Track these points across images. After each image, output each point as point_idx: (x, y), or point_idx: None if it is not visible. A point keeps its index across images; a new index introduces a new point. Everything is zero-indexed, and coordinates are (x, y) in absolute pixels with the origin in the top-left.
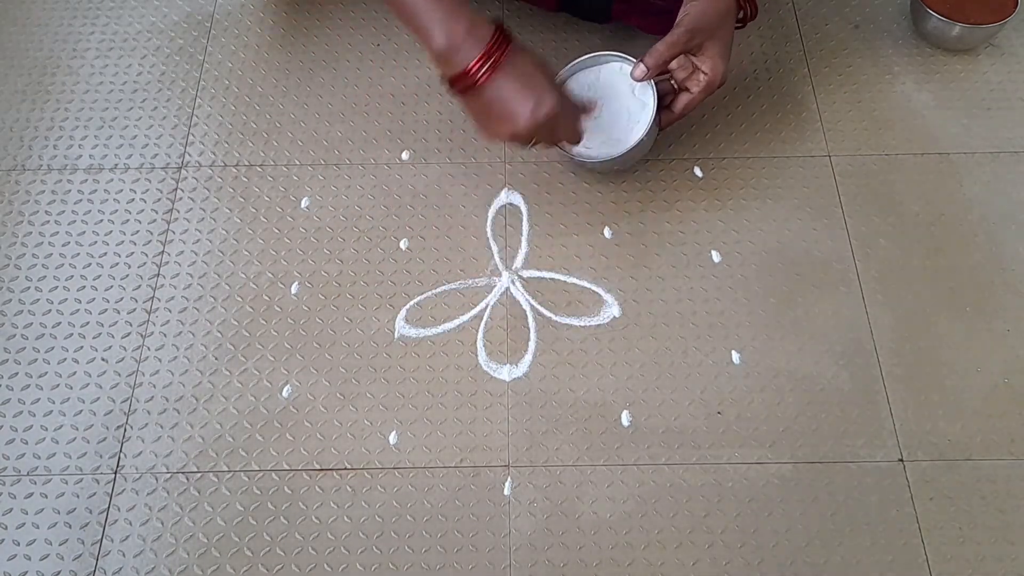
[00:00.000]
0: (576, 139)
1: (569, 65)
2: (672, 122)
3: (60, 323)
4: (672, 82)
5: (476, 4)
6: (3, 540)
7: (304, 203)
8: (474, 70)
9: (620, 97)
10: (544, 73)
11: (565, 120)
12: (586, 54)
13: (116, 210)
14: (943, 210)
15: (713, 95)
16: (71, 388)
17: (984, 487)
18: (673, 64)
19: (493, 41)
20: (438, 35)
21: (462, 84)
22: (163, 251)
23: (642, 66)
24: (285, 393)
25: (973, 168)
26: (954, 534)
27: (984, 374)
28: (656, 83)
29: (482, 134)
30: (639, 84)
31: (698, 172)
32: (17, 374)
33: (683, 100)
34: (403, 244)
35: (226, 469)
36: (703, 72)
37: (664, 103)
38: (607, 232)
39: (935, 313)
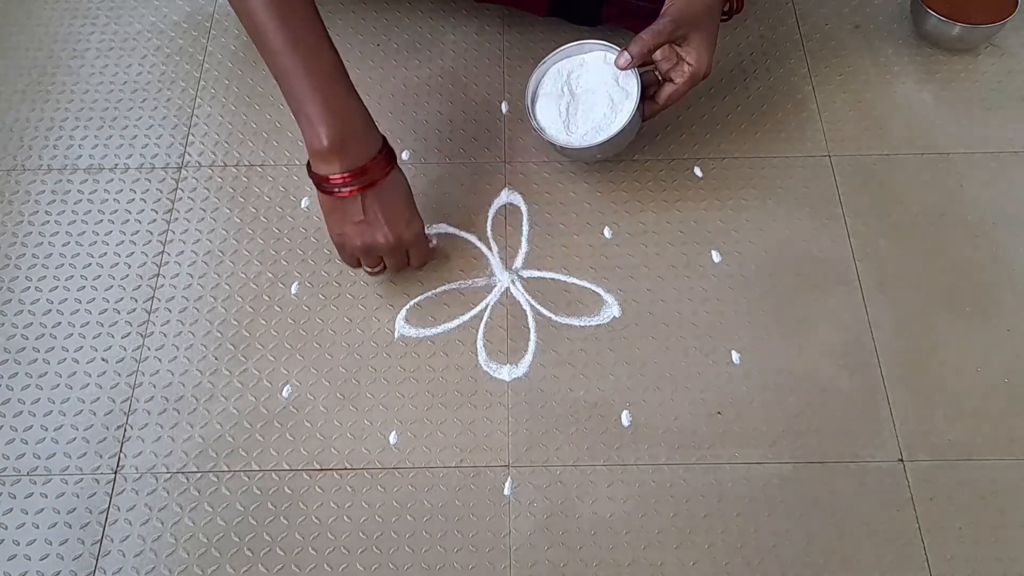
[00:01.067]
0: (422, 263)
1: (553, 53)
2: (656, 112)
3: (60, 323)
4: (656, 73)
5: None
6: (3, 540)
7: (304, 203)
8: (339, 181)
9: (604, 86)
10: (410, 196)
11: (420, 246)
12: (571, 42)
13: (116, 210)
14: (943, 210)
15: (710, 96)
16: (71, 388)
17: (984, 487)
18: (657, 55)
19: (375, 159)
20: (322, 133)
21: (325, 185)
22: (163, 251)
23: (626, 54)
24: (285, 393)
25: (973, 168)
26: (954, 534)
27: (984, 374)
28: (640, 73)
29: (336, 239)
30: (623, 73)
31: (698, 172)
32: (17, 374)
33: (667, 91)
34: None
35: (226, 469)
36: (687, 63)
37: (648, 93)
38: (607, 232)
39: (935, 313)
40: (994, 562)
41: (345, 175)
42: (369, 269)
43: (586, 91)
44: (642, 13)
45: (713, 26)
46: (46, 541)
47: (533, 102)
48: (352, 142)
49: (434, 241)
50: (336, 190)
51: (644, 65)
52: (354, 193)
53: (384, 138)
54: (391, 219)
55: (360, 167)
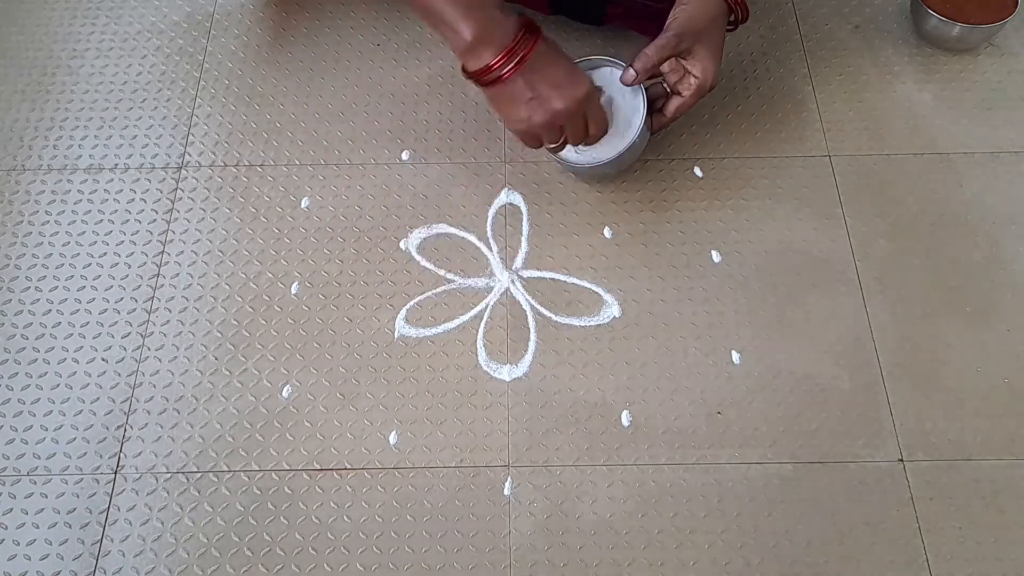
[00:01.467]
0: (603, 130)
1: None
2: (664, 126)
3: (60, 323)
4: (664, 85)
5: None
6: (3, 540)
7: (304, 203)
8: (497, 66)
9: (611, 102)
10: (572, 63)
11: (595, 109)
12: (577, 59)
13: (116, 210)
14: (943, 210)
15: (710, 96)
16: (71, 388)
17: (984, 487)
18: (664, 67)
19: (517, 38)
20: (464, 29)
21: (487, 77)
22: (163, 251)
23: (631, 71)
24: (285, 393)
25: (973, 168)
26: (954, 534)
27: (984, 374)
28: (647, 87)
29: (513, 124)
30: (629, 88)
31: (698, 172)
32: (17, 374)
33: (674, 104)
34: (403, 244)
35: (226, 469)
36: (694, 76)
37: (655, 107)
38: (607, 232)
39: (935, 313)
40: (994, 562)
41: (497, 60)
42: (552, 145)
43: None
44: (646, 13)
45: (718, 37)
46: (46, 541)
47: None
48: (491, 28)
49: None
50: (495, 77)
51: (651, 77)
52: (512, 74)
53: (523, 15)
54: (558, 85)
55: (508, 48)
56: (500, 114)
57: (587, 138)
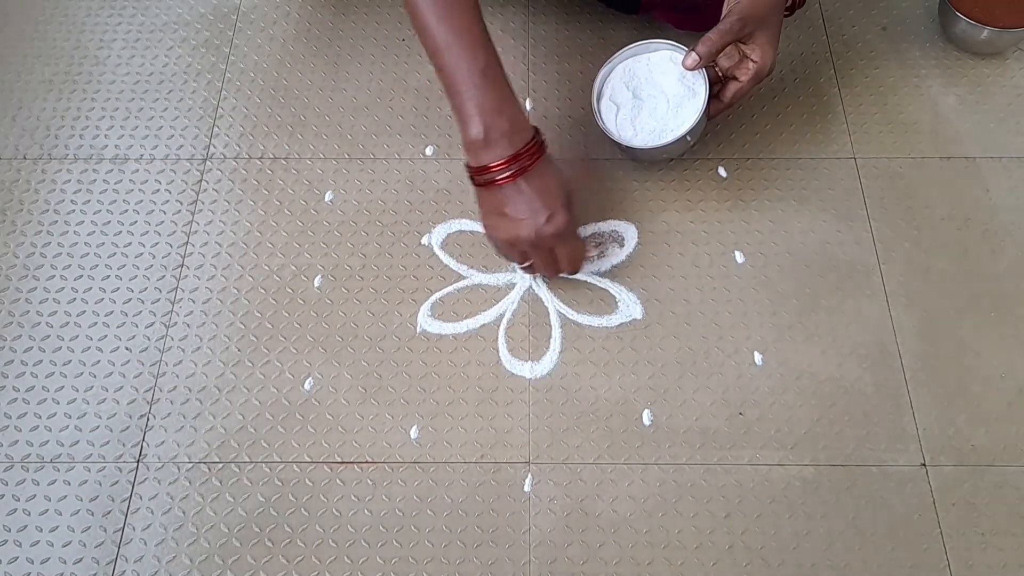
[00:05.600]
0: (574, 269)
1: (619, 52)
2: (721, 111)
3: (84, 311)
4: (717, 71)
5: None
6: (27, 526)
7: (328, 196)
8: (497, 169)
9: (670, 86)
10: (563, 191)
11: (566, 245)
12: (636, 42)
13: (141, 200)
14: (969, 214)
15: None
16: (95, 376)
17: (1007, 493)
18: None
19: (527, 147)
20: (475, 124)
21: (482, 177)
22: (187, 242)
23: (694, 55)
24: (307, 385)
25: (1000, 172)
26: (976, 540)
27: (1009, 380)
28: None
29: (486, 231)
30: (690, 72)
31: (722, 172)
32: (41, 361)
33: (732, 89)
34: (425, 239)
35: (248, 460)
36: (752, 60)
37: (711, 92)
38: (630, 231)
39: (960, 317)
40: (1017, 569)
41: (487, 166)
42: (519, 267)
43: (652, 91)
44: (681, 5)
45: (777, 23)
46: (69, 528)
47: (598, 101)
48: (497, 137)
49: (598, 249)
50: (478, 180)
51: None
52: (494, 185)
53: (533, 133)
54: (532, 211)
55: (509, 156)
56: (487, 221)
57: (557, 272)
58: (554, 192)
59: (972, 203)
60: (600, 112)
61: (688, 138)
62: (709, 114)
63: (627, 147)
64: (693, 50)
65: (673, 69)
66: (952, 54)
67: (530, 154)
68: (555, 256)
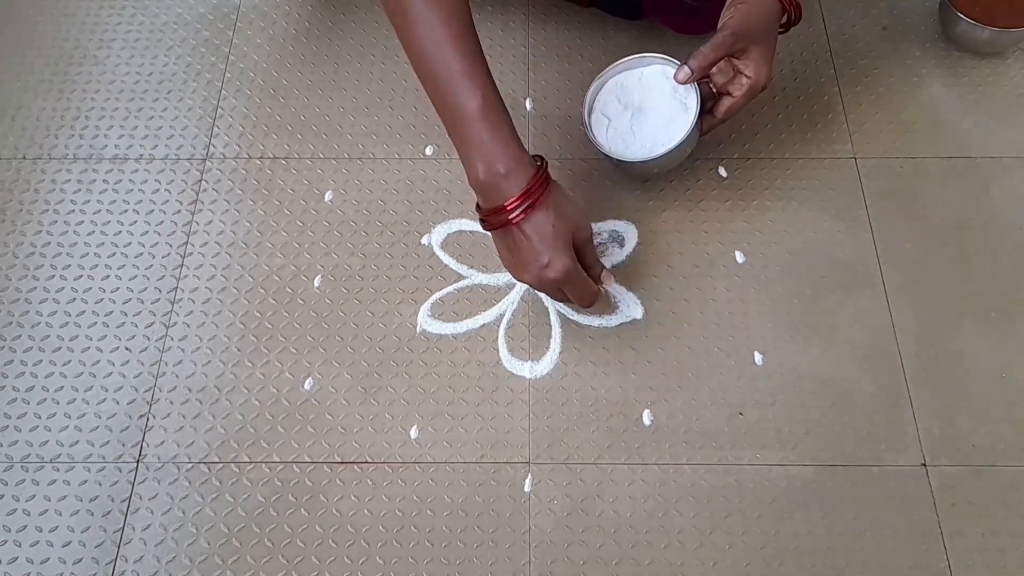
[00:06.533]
0: (587, 304)
1: (612, 66)
2: (714, 127)
3: (84, 311)
4: (711, 86)
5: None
6: (26, 526)
7: (328, 196)
8: (511, 207)
9: (662, 100)
10: (566, 228)
11: (571, 287)
12: (629, 55)
13: (141, 200)
14: (969, 214)
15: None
16: (94, 376)
17: (1007, 494)
18: (713, 68)
19: (535, 180)
20: (481, 166)
21: (496, 219)
22: (187, 242)
23: (686, 68)
24: (307, 385)
25: (1000, 172)
26: (976, 540)
27: (1009, 380)
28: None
29: (509, 271)
30: (682, 87)
31: (723, 172)
32: (41, 361)
33: (725, 104)
34: (425, 239)
35: (247, 460)
36: (746, 76)
37: (704, 108)
38: (631, 231)
39: (960, 318)
40: (1018, 570)
41: (519, 196)
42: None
43: (644, 105)
44: (683, 9)
45: (772, 39)
46: (68, 528)
47: (590, 114)
48: (491, 185)
49: (609, 285)
50: (516, 216)
51: (701, 79)
52: (495, 229)
53: (528, 181)
54: (533, 257)
55: (497, 207)
56: (505, 261)
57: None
58: (551, 236)
59: (972, 203)
60: (591, 126)
61: (682, 152)
62: (702, 129)
63: (618, 160)
64: (685, 64)
65: (665, 83)
66: (952, 54)
67: (540, 186)
68: (566, 292)
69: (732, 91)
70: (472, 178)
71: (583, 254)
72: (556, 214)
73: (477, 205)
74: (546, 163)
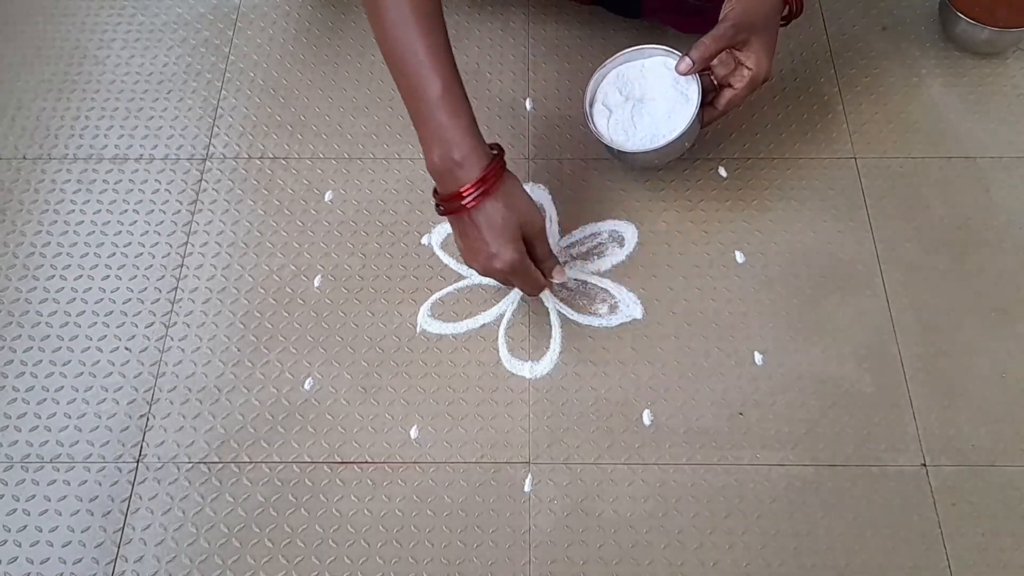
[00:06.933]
0: (533, 293)
1: (613, 57)
2: (715, 119)
3: (84, 311)
4: (712, 78)
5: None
6: (26, 526)
7: (328, 196)
8: (465, 193)
9: (663, 91)
10: (515, 219)
11: (516, 279)
12: (631, 47)
13: (141, 200)
14: (969, 214)
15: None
16: (94, 376)
17: (1007, 493)
18: (714, 60)
19: (489, 169)
20: (437, 151)
21: (449, 206)
22: (187, 242)
23: (687, 60)
24: (307, 385)
25: (1000, 172)
26: (976, 540)
27: (1009, 380)
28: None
29: (461, 256)
30: (683, 78)
31: (723, 172)
32: (41, 361)
33: (726, 96)
34: (425, 239)
35: (247, 460)
36: (747, 68)
37: (705, 100)
38: (631, 231)
39: (960, 317)
40: (1018, 569)
41: (442, 198)
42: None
43: (645, 96)
44: (685, 7)
45: (773, 30)
46: (68, 528)
47: (591, 106)
48: (445, 171)
49: (564, 280)
50: (469, 201)
51: (702, 71)
52: (448, 214)
53: (482, 170)
54: (475, 250)
55: (452, 194)
56: (459, 245)
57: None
58: (500, 227)
59: (972, 203)
60: (592, 117)
61: (683, 144)
62: (703, 121)
63: (619, 152)
64: (687, 55)
65: (667, 74)
66: (953, 54)
67: (495, 173)
68: (514, 282)
69: (733, 83)
70: (429, 163)
71: (534, 247)
72: (506, 205)
73: (434, 190)
74: (503, 152)
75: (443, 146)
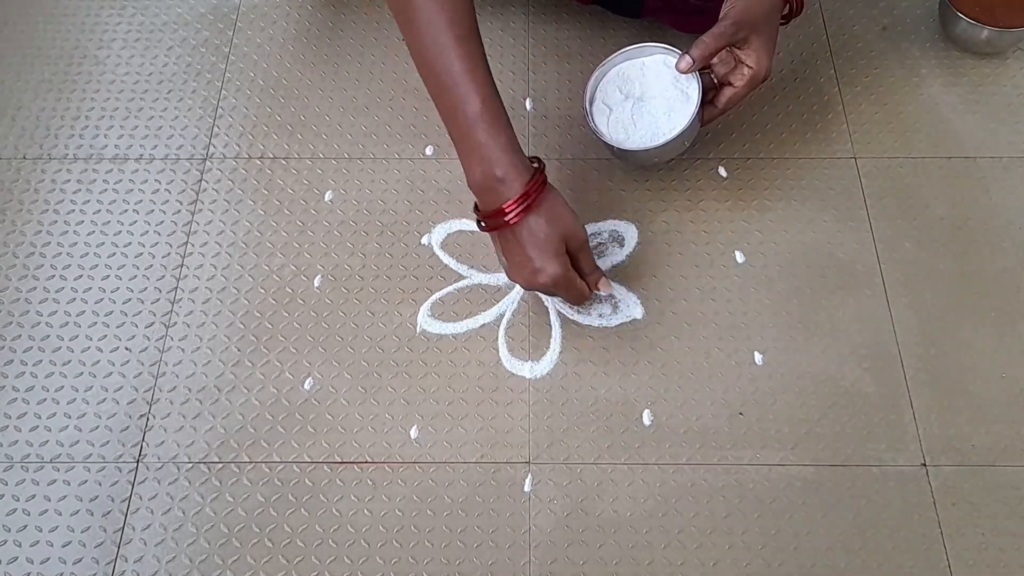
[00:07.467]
0: (579, 302)
1: (613, 56)
2: (715, 117)
3: (84, 311)
4: (712, 77)
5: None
6: (26, 526)
7: (328, 196)
8: (508, 210)
9: (663, 90)
10: (558, 233)
11: (562, 290)
12: (631, 45)
13: (141, 200)
14: (969, 214)
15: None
16: (94, 376)
17: (1007, 493)
18: (714, 59)
19: (531, 185)
20: (478, 170)
21: (492, 222)
22: (187, 242)
23: (688, 58)
24: (307, 385)
25: (1000, 172)
26: (976, 540)
27: (1009, 380)
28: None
29: (505, 271)
30: (683, 76)
31: (723, 172)
32: (41, 361)
33: (727, 94)
34: (425, 239)
35: (247, 460)
36: (747, 66)
37: (705, 98)
38: (630, 231)
39: (960, 317)
40: (1018, 570)
41: (484, 215)
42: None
43: (645, 94)
44: (685, 7)
45: (773, 29)
46: (68, 528)
47: (591, 104)
48: (488, 188)
49: (610, 291)
50: (512, 218)
51: (702, 69)
52: (491, 231)
53: (524, 185)
54: (520, 265)
55: (494, 211)
56: (504, 262)
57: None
58: (543, 241)
59: (972, 203)
60: (592, 115)
61: (683, 142)
62: (703, 120)
63: (619, 150)
64: (687, 53)
65: (667, 73)
66: (952, 54)
67: (537, 188)
68: (559, 294)
69: (734, 81)
70: (470, 180)
71: (578, 259)
72: (549, 220)
73: (475, 206)
74: (543, 166)
75: (484, 164)
